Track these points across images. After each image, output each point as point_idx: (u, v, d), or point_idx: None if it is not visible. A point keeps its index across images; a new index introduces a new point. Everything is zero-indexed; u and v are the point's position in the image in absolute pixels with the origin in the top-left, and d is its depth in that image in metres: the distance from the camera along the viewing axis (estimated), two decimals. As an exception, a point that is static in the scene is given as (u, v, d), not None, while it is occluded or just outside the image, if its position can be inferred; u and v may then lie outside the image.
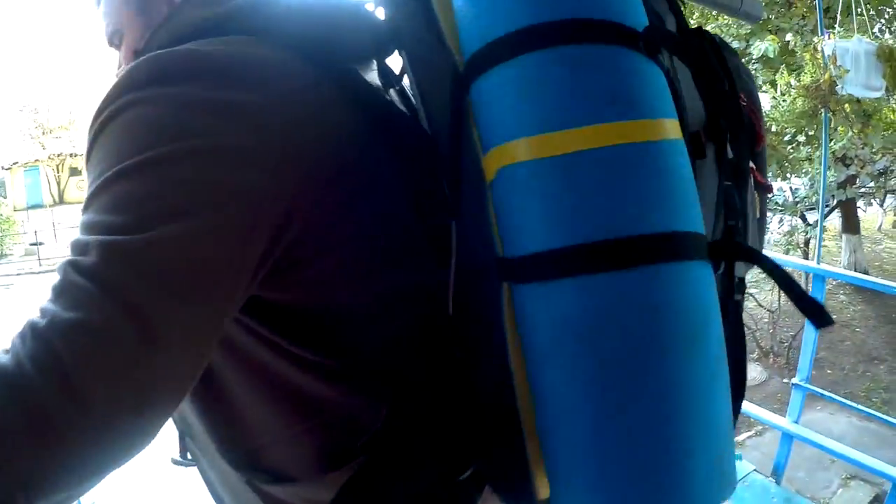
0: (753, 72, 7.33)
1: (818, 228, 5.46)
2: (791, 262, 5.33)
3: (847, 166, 8.33)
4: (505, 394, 0.68)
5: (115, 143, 0.63)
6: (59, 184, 42.92)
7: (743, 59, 1.55)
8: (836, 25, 6.67)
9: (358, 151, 0.73)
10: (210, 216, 0.61)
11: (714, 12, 7.14)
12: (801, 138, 7.45)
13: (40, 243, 24.95)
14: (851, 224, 9.77)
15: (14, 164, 44.52)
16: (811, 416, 5.41)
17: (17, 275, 20.69)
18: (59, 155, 41.60)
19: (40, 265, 21.45)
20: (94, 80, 44.09)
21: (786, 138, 7.54)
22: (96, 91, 32.04)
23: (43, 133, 43.31)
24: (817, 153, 7.12)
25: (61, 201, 41.57)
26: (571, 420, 0.65)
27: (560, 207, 0.63)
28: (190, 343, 0.60)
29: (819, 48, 5.91)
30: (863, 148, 7.76)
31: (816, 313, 0.67)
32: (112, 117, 0.63)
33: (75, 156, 40.56)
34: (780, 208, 8.41)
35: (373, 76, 0.82)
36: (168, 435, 0.75)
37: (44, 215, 33.10)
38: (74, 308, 0.55)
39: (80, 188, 41.19)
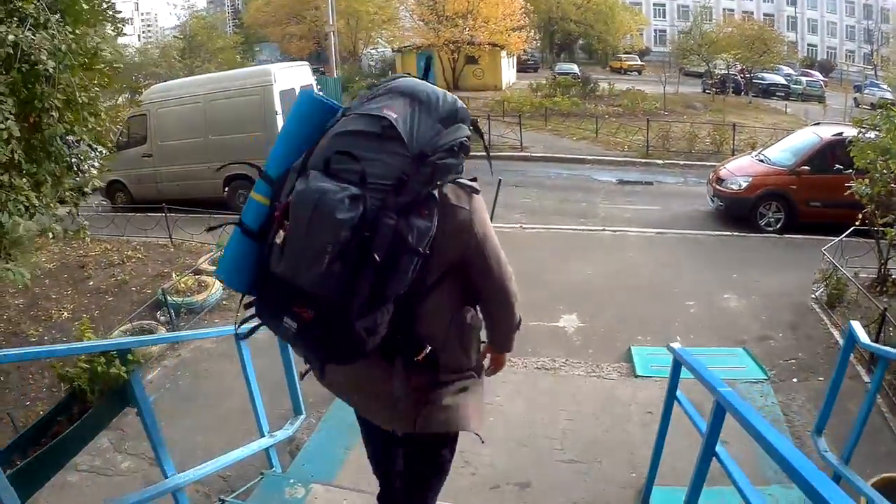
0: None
1: None
2: None
3: None
4: None
5: None
6: (453, 70, 46.91)
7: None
8: None
9: None
10: None
11: None
12: None
13: None
14: None
15: (406, 47, 49.15)
16: None
17: None
18: (454, 42, 44.90)
19: None
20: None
21: None
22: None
23: (439, 20, 45.68)
24: None
25: (455, 87, 45.30)
26: None
27: None
28: None
29: None
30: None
31: None
32: None
33: (472, 44, 44.79)
34: None
35: None
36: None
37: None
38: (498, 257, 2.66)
39: (476, 76, 47.03)
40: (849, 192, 9.34)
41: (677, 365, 4.38)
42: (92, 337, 6.46)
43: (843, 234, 9.77)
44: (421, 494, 3.11)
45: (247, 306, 2.52)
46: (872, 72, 64.04)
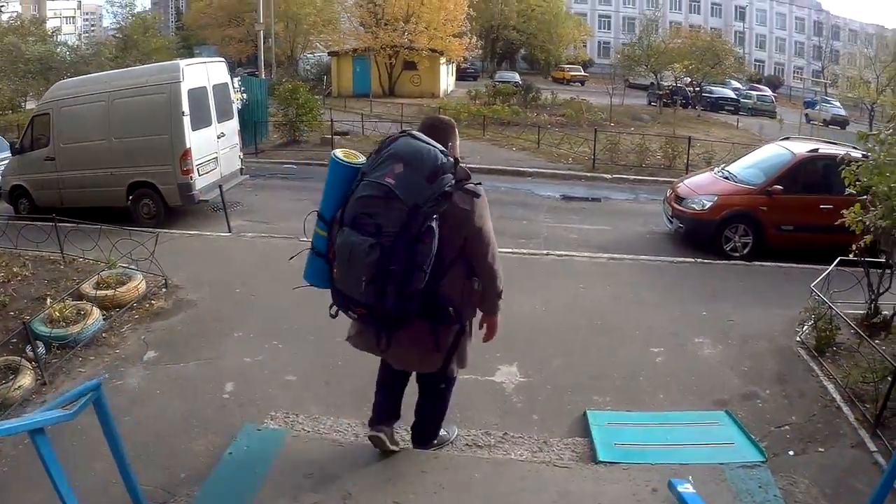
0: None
1: None
2: None
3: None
4: None
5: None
6: (389, 76, 46.85)
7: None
8: None
9: None
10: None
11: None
12: None
13: (345, 133, 26.08)
14: None
15: (342, 50, 48.33)
16: None
17: (290, 164, 21.92)
18: (392, 46, 44.60)
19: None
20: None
21: None
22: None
23: (378, 23, 45.58)
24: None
25: (391, 93, 45.34)
26: None
27: None
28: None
29: None
30: None
31: None
32: None
33: (411, 49, 44.59)
34: None
35: None
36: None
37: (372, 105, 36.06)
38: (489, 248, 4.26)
39: (413, 83, 46.02)
40: (840, 218, 8.10)
41: None
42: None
43: (832, 265, 8.70)
44: (434, 419, 5.13)
45: (332, 316, 4.42)
46: (822, 88, 64.75)
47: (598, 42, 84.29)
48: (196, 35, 62.16)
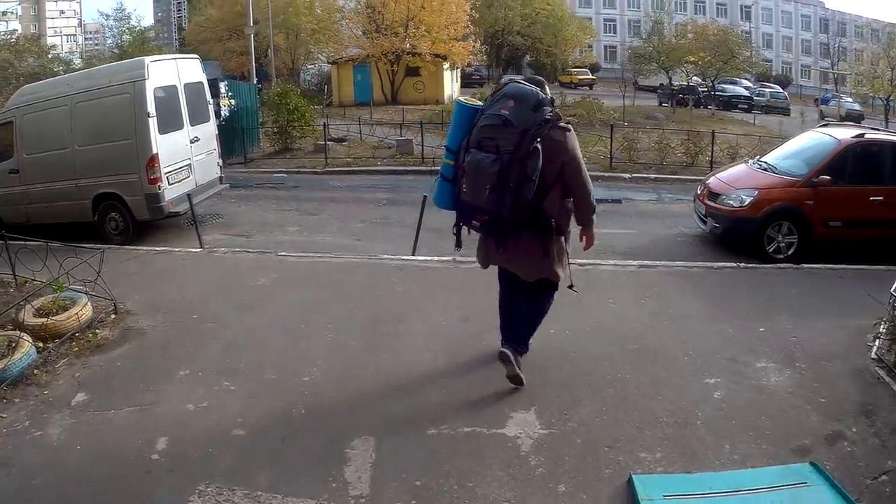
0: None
1: None
2: None
3: None
4: None
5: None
6: (392, 83, 45.44)
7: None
8: None
9: None
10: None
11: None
12: None
13: (341, 140, 25.03)
14: None
15: (342, 59, 47.39)
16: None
17: (281, 172, 20.86)
18: (394, 52, 43.46)
19: (326, 164, 21.11)
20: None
21: None
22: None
23: (377, 29, 44.73)
24: None
25: (394, 101, 43.68)
26: None
27: None
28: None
29: None
30: None
31: None
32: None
33: (413, 54, 43.34)
34: None
35: None
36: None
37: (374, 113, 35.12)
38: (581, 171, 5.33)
39: (416, 89, 44.52)
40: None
41: None
42: None
43: None
44: (532, 321, 5.96)
45: (457, 247, 5.74)
46: (832, 85, 63.87)
47: (604, 46, 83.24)
48: (197, 50, 60.68)
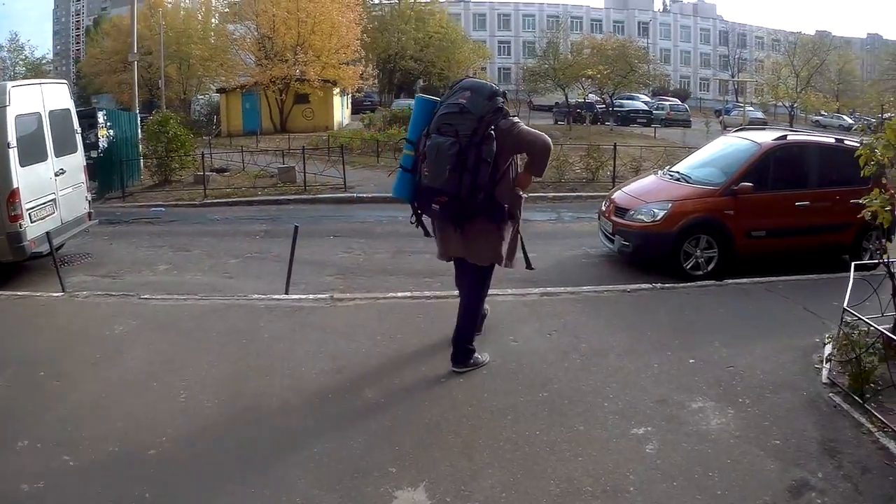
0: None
1: None
2: None
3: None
4: None
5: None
6: (280, 111, 45.32)
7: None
8: None
9: None
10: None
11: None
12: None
13: (222, 170, 24.86)
14: None
15: (230, 87, 46.89)
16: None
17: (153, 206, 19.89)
18: (282, 79, 43.54)
19: (205, 196, 20.58)
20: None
21: None
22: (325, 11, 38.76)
23: (267, 56, 44.92)
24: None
25: (283, 129, 43.36)
26: None
27: None
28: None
29: None
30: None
31: None
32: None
33: (302, 81, 43.09)
34: None
35: None
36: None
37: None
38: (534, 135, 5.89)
39: (306, 117, 44.58)
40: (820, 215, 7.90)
41: None
42: None
43: (851, 272, 7.13)
44: (477, 295, 6.40)
45: (413, 223, 6.21)
46: (732, 96, 65.99)
47: (498, 68, 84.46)
48: (93, 83, 62.74)
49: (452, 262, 6.52)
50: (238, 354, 6.75)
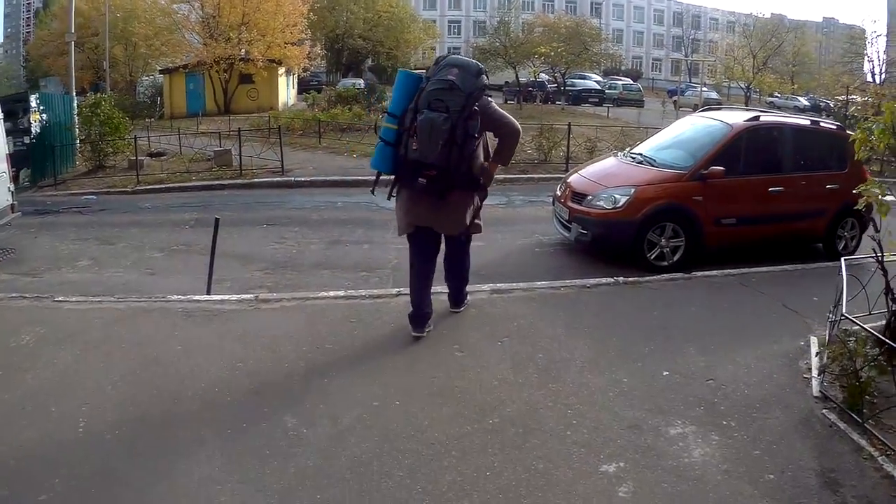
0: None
1: None
2: None
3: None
4: None
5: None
6: (224, 92, 44.48)
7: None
8: None
9: None
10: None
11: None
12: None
13: (159, 154, 24.23)
14: None
15: (173, 68, 46.25)
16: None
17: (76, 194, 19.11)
18: (226, 59, 42.87)
19: (137, 182, 19.70)
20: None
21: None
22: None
23: (211, 35, 44.19)
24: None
25: (227, 110, 42.35)
26: None
27: None
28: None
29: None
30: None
31: None
32: None
33: (246, 61, 42.82)
34: None
35: None
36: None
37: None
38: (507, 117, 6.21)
39: (250, 97, 43.79)
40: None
41: None
42: None
43: (842, 266, 6.27)
44: (462, 268, 6.90)
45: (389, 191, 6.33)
46: (685, 77, 66.64)
47: (448, 48, 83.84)
48: (40, 65, 62.91)
49: (407, 239, 6.68)
50: (145, 373, 5.71)
